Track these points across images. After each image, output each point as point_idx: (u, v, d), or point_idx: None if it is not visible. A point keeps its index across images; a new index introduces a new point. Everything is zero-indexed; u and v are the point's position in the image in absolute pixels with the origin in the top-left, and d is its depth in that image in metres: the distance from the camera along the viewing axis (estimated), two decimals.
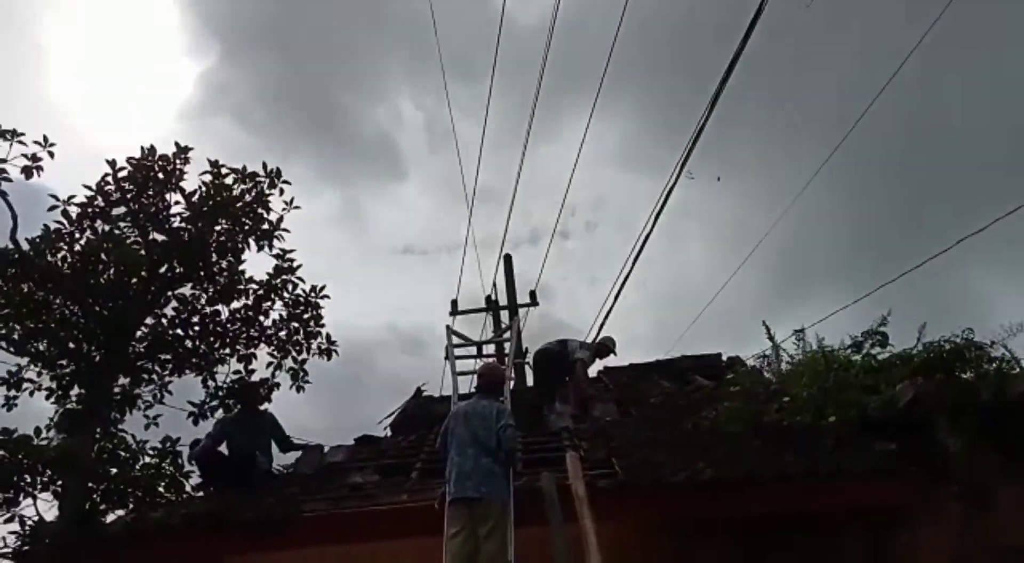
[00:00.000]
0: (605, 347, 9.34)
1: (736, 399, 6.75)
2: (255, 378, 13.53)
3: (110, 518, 12.10)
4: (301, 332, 13.89)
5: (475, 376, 6.64)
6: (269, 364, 13.87)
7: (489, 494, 5.27)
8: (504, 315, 15.55)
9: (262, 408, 7.60)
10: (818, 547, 5.60)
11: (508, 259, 15.91)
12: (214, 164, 13.48)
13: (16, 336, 12.36)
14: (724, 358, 9.75)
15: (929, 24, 7.09)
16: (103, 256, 12.41)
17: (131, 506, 11.88)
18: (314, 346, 13.95)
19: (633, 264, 9.11)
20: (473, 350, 9.66)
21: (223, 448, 7.38)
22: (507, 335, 10.28)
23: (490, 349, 11.34)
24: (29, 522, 11.48)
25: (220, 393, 13.38)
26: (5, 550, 11.56)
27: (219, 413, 13.41)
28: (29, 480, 10.99)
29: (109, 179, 12.89)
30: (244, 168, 13.64)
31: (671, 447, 6.29)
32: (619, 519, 5.70)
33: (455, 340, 8.76)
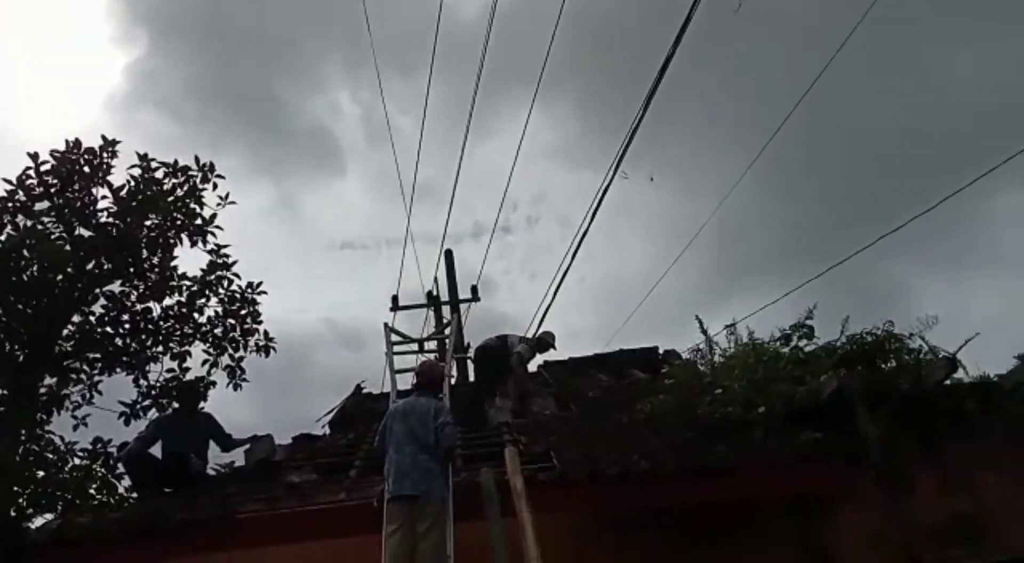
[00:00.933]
0: (545, 342, 9.46)
1: (671, 392, 6.91)
2: (190, 376, 13.25)
3: (38, 523, 11.65)
4: (238, 329, 13.61)
5: (414, 374, 6.66)
6: (204, 362, 13.60)
7: (427, 491, 5.30)
8: (446, 310, 15.53)
9: (200, 408, 7.42)
10: (750, 532, 5.82)
11: (449, 254, 15.92)
12: (143, 157, 13.04)
13: None
14: (661, 352, 9.95)
15: (853, 26, 7.35)
16: (25, 252, 11.94)
17: (60, 510, 11.53)
18: (251, 343, 13.65)
19: (571, 260, 9.25)
20: (414, 346, 9.64)
21: (157, 449, 7.18)
22: (447, 331, 10.28)
23: (431, 346, 11.33)
24: None
25: (153, 392, 13.03)
26: None
27: (152, 413, 13.04)
28: None
29: (31, 172, 12.37)
30: (175, 162, 13.21)
31: (608, 440, 6.42)
32: (558, 512, 5.80)
33: (394, 338, 8.72)
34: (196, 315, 13.29)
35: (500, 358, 8.69)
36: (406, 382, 8.15)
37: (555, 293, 11.21)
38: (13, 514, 11.09)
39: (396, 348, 8.80)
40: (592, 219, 8.51)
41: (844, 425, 5.86)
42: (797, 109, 8.05)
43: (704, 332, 7.34)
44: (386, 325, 8.87)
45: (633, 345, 10.59)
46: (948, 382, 6.06)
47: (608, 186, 7.77)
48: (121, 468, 7.57)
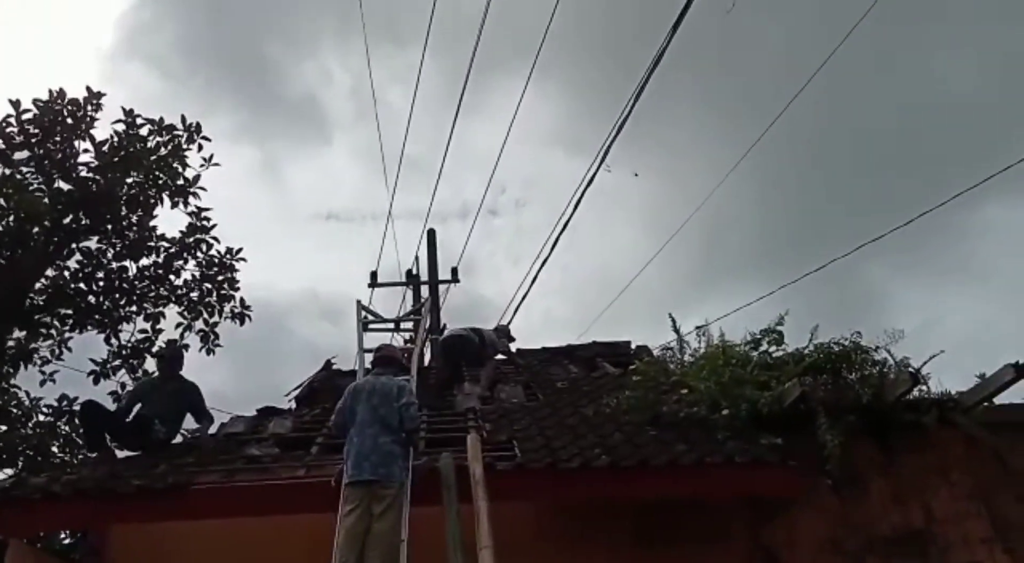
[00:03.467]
0: (508, 335, 9.60)
1: (638, 388, 6.94)
2: (163, 338, 13.17)
3: None
4: (214, 294, 13.62)
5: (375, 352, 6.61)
6: (178, 325, 13.56)
7: (387, 475, 5.29)
8: (425, 290, 15.48)
9: (186, 376, 7.30)
10: (705, 530, 5.88)
11: (432, 234, 15.79)
12: (128, 113, 12.95)
13: None
14: (633, 347, 10.00)
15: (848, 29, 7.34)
16: (2, 202, 11.79)
17: (19, 466, 11.47)
18: (227, 309, 13.71)
19: (551, 251, 9.24)
20: (390, 325, 9.61)
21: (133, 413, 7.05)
22: (423, 311, 10.26)
23: (407, 326, 11.31)
24: None
25: (124, 352, 12.98)
26: None
27: (122, 373, 13.07)
28: None
29: (12, 121, 12.20)
30: (161, 120, 13.17)
31: (571, 432, 6.43)
32: (516, 501, 5.83)
33: (368, 317, 8.68)
34: (172, 277, 13.39)
35: (472, 348, 8.72)
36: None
37: (532, 282, 11.25)
38: None
39: (373, 327, 8.77)
40: (573, 211, 8.51)
41: (805, 432, 5.92)
42: (790, 107, 8.05)
43: (676, 331, 7.37)
44: (358, 302, 8.82)
45: (607, 338, 10.64)
46: (909, 396, 6.13)
47: (592, 178, 7.75)
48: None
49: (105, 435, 6.54)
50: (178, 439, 7.10)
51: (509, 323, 10.38)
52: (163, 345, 12.63)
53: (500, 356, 9.17)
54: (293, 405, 8.39)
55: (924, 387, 6.20)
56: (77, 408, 11.91)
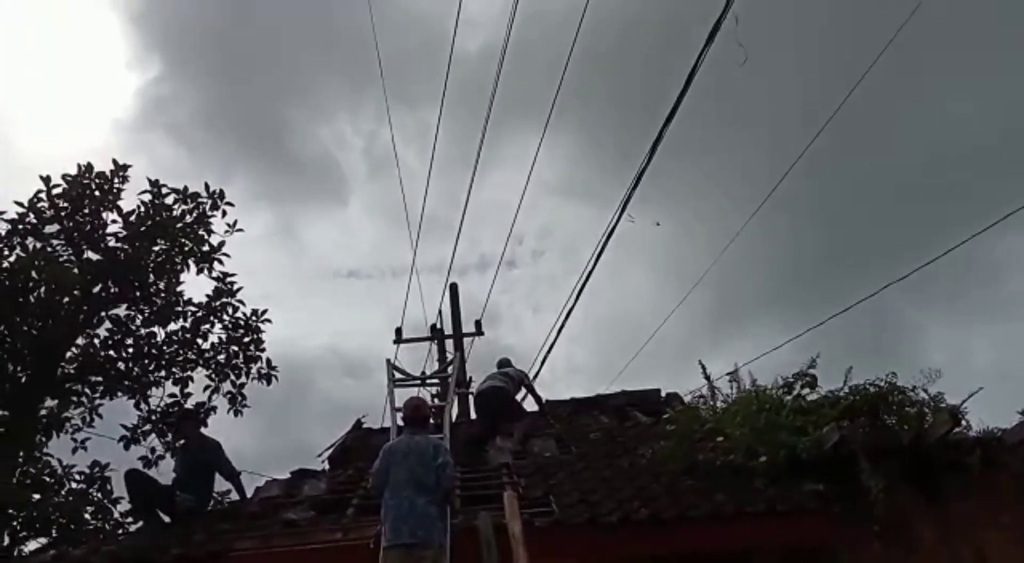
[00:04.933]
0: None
1: (672, 438, 6.87)
2: (191, 402, 13.26)
3: (32, 546, 11.56)
4: (240, 356, 13.73)
5: (405, 410, 6.57)
6: (206, 388, 13.66)
7: (425, 538, 5.24)
8: (449, 343, 15.52)
9: (209, 435, 7.31)
10: None
11: (454, 288, 15.90)
12: (154, 183, 13.29)
13: None
14: (663, 394, 9.92)
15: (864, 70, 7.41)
16: (34, 274, 12.06)
17: (54, 534, 11.46)
18: (254, 370, 13.81)
19: (575, 301, 9.27)
20: (418, 382, 9.65)
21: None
22: (450, 369, 10.28)
23: (433, 382, 11.33)
24: None
25: (153, 417, 13.06)
26: None
27: (152, 437, 13.12)
28: None
29: (42, 195, 12.58)
30: (185, 188, 13.51)
31: (608, 485, 6.37)
32: (555, 557, 5.74)
33: (396, 375, 8.71)
34: (200, 341, 13.53)
35: (505, 401, 8.67)
36: None
37: (558, 333, 11.26)
38: (7, 539, 11.04)
39: (400, 384, 8.78)
40: (596, 261, 8.55)
41: (846, 477, 5.81)
42: (807, 147, 8.09)
43: (707, 377, 7.32)
44: (388, 361, 8.87)
45: (634, 386, 10.57)
46: (951, 435, 6.01)
47: (614, 228, 7.82)
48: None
49: (150, 502, 6.56)
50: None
51: (535, 376, 10.36)
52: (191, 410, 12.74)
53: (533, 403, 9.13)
54: (326, 465, 8.38)
55: (964, 426, 6.10)
56: (109, 475, 11.97)
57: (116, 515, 11.99)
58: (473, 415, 10.38)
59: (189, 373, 13.42)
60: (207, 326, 13.50)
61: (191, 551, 5.53)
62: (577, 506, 5.93)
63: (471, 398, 11.15)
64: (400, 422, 6.66)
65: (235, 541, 5.66)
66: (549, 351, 11.93)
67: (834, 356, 7.13)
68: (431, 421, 6.55)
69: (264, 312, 13.83)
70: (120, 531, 11.11)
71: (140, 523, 6.69)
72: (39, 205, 12.46)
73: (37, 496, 11.57)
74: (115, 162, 13.13)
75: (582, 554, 5.92)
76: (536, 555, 5.19)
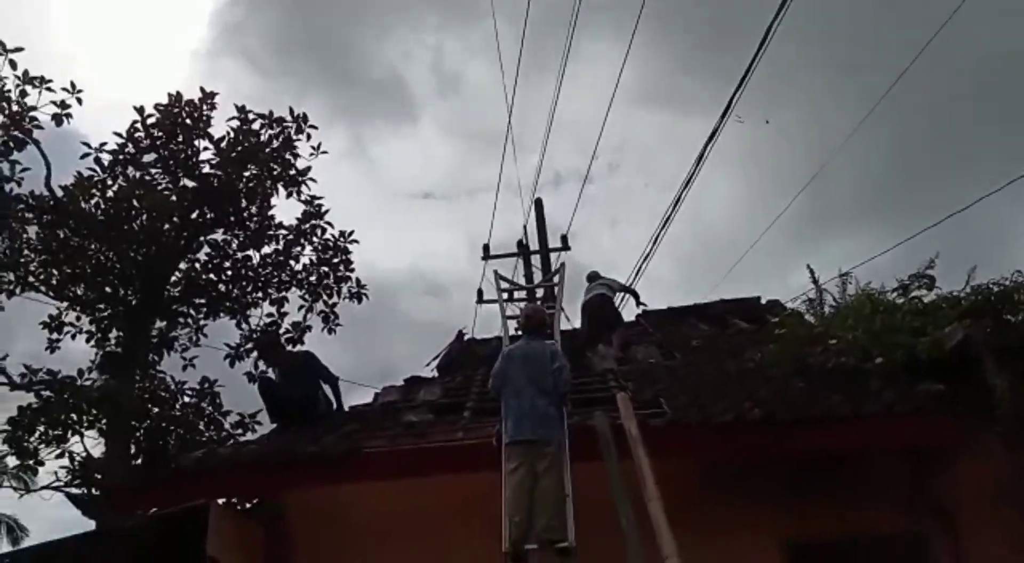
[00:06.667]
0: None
1: (780, 341, 6.81)
2: (288, 321, 13.87)
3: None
4: (331, 276, 14.19)
5: (521, 318, 6.73)
6: (301, 307, 14.22)
7: (546, 435, 5.47)
8: (535, 259, 15.60)
9: (296, 351, 7.67)
10: (864, 485, 5.74)
11: (539, 203, 15.89)
12: (241, 109, 13.55)
13: (55, 281, 12.67)
14: (763, 301, 9.78)
15: None
16: (135, 202, 12.61)
17: (172, 443, 12.35)
18: (344, 290, 14.27)
19: (674, 208, 9.12)
20: (515, 293, 9.84)
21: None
22: (556, 278, 10.41)
23: (539, 292, 11.62)
24: (78, 458, 11.97)
25: (255, 335, 13.70)
26: (58, 484, 12.11)
27: (254, 355, 13.78)
28: (76, 419, 11.44)
29: (138, 126, 12.98)
30: (271, 113, 13.74)
31: (716, 388, 6.39)
32: (669, 457, 5.83)
33: (503, 285, 8.88)
34: (292, 263, 14.03)
35: (608, 310, 8.79)
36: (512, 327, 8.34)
37: (656, 241, 11.14)
38: (133, 448, 11.90)
39: (508, 295, 9.02)
40: (698, 165, 8.33)
41: (968, 378, 5.68)
42: (926, 44, 7.56)
43: (815, 281, 7.17)
44: (496, 273, 9.09)
45: (724, 294, 10.49)
46: None
47: (719, 130, 7.56)
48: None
49: (283, 406, 6.94)
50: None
51: (631, 285, 10.38)
52: (288, 329, 13.34)
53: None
54: (435, 374, 8.68)
55: None
56: (218, 390, 12.72)
57: (227, 426, 12.82)
58: (568, 325, 10.53)
59: (284, 294, 14.01)
60: (298, 248, 13.97)
61: (326, 449, 5.86)
62: (688, 408, 5.99)
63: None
64: (513, 330, 6.83)
65: (365, 441, 5.97)
66: (646, 260, 11.79)
67: (955, 262, 6.85)
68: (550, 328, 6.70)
69: (351, 233, 14.17)
70: (231, 441, 11.84)
71: (274, 426, 7.08)
72: (136, 136, 12.89)
73: (156, 410, 12.42)
74: (203, 90, 13.43)
75: (696, 454, 6.02)
76: (650, 455, 5.28)
